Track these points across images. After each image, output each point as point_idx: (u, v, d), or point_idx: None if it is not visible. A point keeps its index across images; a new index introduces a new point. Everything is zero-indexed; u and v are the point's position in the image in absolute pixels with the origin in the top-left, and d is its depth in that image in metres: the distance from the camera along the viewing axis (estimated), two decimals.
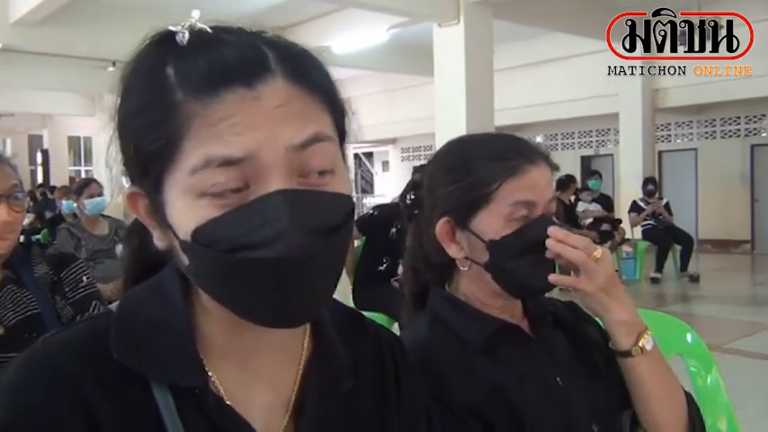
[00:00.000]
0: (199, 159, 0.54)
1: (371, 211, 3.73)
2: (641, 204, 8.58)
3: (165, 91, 0.56)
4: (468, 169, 1.02)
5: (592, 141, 13.20)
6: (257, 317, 0.59)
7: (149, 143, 0.56)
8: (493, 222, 0.99)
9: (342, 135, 0.63)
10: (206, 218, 0.55)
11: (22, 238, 1.55)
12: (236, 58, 0.56)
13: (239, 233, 0.54)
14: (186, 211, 0.56)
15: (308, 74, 0.59)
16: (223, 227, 0.55)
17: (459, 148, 1.09)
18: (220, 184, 0.54)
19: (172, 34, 0.57)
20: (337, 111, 0.62)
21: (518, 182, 0.99)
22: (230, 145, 0.54)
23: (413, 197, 1.10)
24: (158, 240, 0.62)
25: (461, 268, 1.05)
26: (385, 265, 3.68)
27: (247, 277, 0.55)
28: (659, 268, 8.20)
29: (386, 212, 3.73)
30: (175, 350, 0.61)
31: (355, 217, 3.96)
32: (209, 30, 0.58)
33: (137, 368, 0.60)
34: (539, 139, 13.20)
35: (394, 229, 3.63)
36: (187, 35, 0.57)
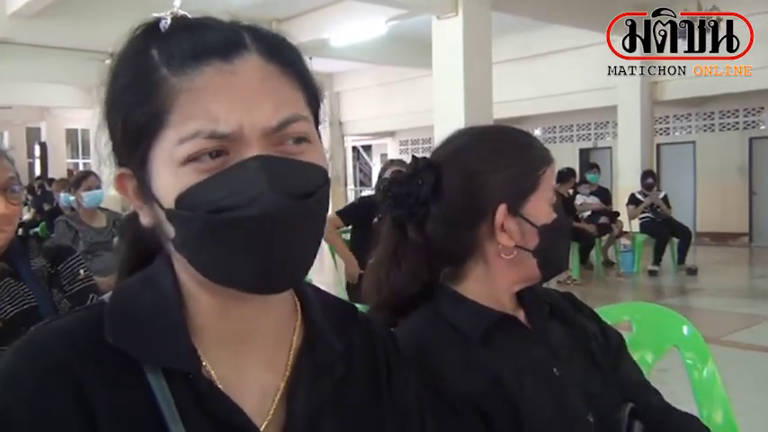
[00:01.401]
0: (187, 131, 0.58)
1: (354, 202, 3.82)
2: (639, 197, 8.59)
3: (151, 69, 0.60)
4: (516, 156, 1.04)
5: (590, 134, 13.20)
6: (238, 282, 0.61)
7: (137, 117, 0.61)
8: (541, 207, 1.02)
9: (316, 117, 0.67)
10: (189, 184, 0.59)
11: (20, 231, 1.55)
12: (215, 38, 0.61)
13: (220, 196, 0.58)
14: (170, 180, 0.60)
15: (282, 53, 0.64)
16: (204, 191, 0.58)
17: (490, 137, 1.09)
18: (204, 149, 0.59)
19: (155, 23, 0.62)
20: (311, 94, 0.66)
21: (551, 169, 1.05)
22: (216, 121, 0.58)
23: (412, 192, 1.03)
24: (145, 218, 0.65)
25: (503, 257, 1.02)
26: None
27: (228, 238, 0.58)
28: (657, 261, 8.22)
29: (367, 203, 3.82)
30: (168, 336, 0.63)
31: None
32: (190, 17, 0.63)
33: (131, 353, 0.61)
34: (537, 132, 13.19)
35: (376, 219, 3.74)
36: (169, 21, 0.62)
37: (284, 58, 0.63)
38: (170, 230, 0.62)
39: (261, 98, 0.60)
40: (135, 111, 0.60)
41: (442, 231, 1.04)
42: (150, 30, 0.62)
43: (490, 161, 1.03)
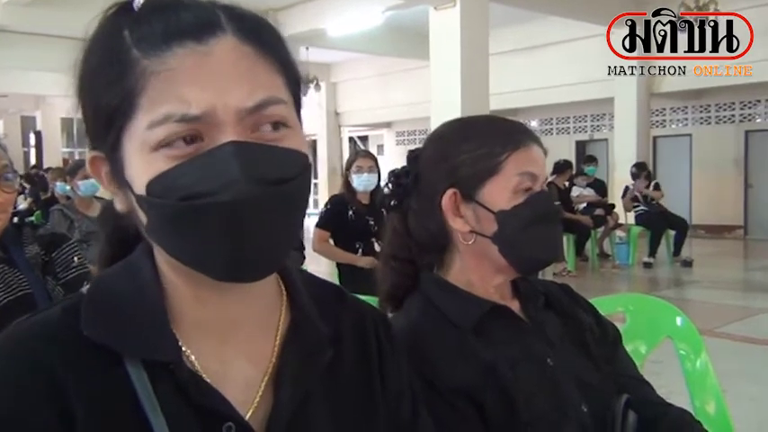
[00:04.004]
0: (157, 115, 0.56)
1: (325, 207, 3.86)
2: (632, 189, 8.64)
3: (122, 50, 0.58)
4: (475, 141, 1.03)
5: (587, 126, 13.20)
6: (212, 270, 0.60)
7: (108, 99, 0.59)
8: (501, 193, 1.01)
9: (297, 102, 0.65)
10: (161, 170, 0.57)
11: (15, 219, 1.54)
12: (188, 18, 0.58)
13: (191, 182, 0.56)
14: (142, 165, 0.58)
15: (260, 34, 0.61)
16: (176, 177, 0.56)
17: (463, 125, 1.10)
18: (176, 133, 0.57)
19: (128, 3, 0.60)
20: (291, 76, 0.64)
21: (523, 154, 1.02)
22: (188, 104, 0.56)
23: (401, 183, 1.09)
24: (119, 204, 0.64)
25: (465, 243, 1.04)
26: (360, 250, 3.72)
27: (199, 225, 0.57)
28: (652, 253, 8.24)
29: (337, 201, 3.86)
30: (147, 325, 0.62)
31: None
32: None
33: (109, 345, 0.60)
34: (534, 124, 13.19)
35: (351, 212, 3.76)
36: (142, 1, 0.59)
37: (262, 39, 0.61)
38: (142, 217, 0.60)
39: (235, 79, 0.57)
40: (106, 93, 0.59)
41: (415, 220, 1.08)
42: (123, 10, 0.60)
43: (449, 148, 1.05)
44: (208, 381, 0.62)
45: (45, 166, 13.71)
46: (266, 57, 0.60)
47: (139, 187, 0.58)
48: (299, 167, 0.60)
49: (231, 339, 0.66)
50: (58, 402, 0.57)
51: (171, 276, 0.64)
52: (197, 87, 0.56)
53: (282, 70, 0.62)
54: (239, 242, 0.57)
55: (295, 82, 0.65)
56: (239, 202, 0.55)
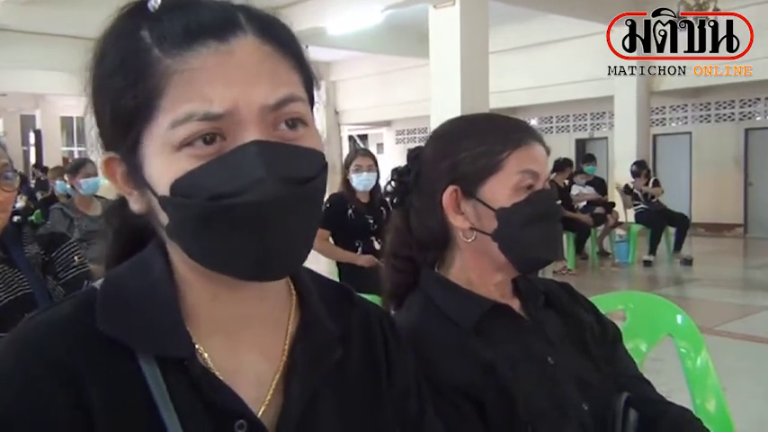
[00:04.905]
0: (179, 114, 0.56)
1: (324, 206, 3.85)
2: (632, 187, 8.65)
3: (141, 50, 0.58)
4: (477, 139, 1.03)
5: (587, 124, 13.19)
6: (237, 269, 0.60)
7: (127, 100, 0.58)
8: (501, 190, 1.01)
9: (311, 100, 0.65)
10: (184, 170, 0.57)
11: (15, 219, 1.54)
12: (208, 17, 0.58)
13: (217, 182, 0.56)
14: (165, 166, 0.58)
15: (278, 33, 0.62)
16: (201, 177, 0.56)
17: (464, 123, 1.11)
18: (199, 132, 0.57)
19: (144, 2, 0.60)
20: (306, 75, 0.64)
21: (525, 152, 1.02)
22: (211, 102, 0.56)
23: (404, 181, 1.09)
24: (135, 204, 0.64)
25: (465, 240, 1.04)
26: (360, 249, 3.72)
27: (226, 225, 0.57)
28: (652, 251, 8.24)
29: (336, 200, 3.85)
30: (161, 322, 0.62)
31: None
32: None
33: (124, 341, 0.60)
34: (534, 122, 13.18)
35: (350, 211, 3.75)
36: (159, 1, 0.59)
37: (280, 38, 0.61)
38: (163, 218, 0.60)
39: (258, 78, 0.58)
40: (125, 95, 0.58)
41: (417, 218, 1.08)
42: (138, 9, 0.60)
43: (450, 146, 1.05)
44: (221, 378, 0.63)
45: (45, 164, 13.70)
46: (284, 56, 0.61)
47: (162, 188, 0.58)
48: (318, 166, 0.61)
49: (243, 337, 0.66)
50: (72, 396, 0.57)
51: (186, 274, 0.64)
52: (220, 86, 0.56)
53: (299, 68, 0.63)
54: (264, 241, 0.57)
55: (309, 80, 0.65)
56: (266, 202, 0.56)
